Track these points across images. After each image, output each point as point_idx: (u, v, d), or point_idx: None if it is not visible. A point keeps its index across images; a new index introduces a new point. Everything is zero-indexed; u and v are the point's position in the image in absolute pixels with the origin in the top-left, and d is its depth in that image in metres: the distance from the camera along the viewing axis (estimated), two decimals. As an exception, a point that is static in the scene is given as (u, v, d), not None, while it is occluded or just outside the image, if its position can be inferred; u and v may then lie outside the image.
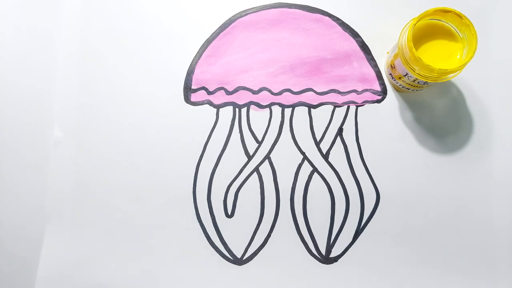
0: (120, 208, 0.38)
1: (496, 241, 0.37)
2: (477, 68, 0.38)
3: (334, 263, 0.37)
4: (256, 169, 0.38)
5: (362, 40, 0.39)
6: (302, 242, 0.37)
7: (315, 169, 0.38)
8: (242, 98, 0.38)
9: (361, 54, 0.39)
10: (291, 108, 0.38)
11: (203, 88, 0.39)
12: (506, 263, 0.36)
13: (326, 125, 0.38)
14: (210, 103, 0.38)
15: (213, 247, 0.37)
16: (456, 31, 0.33)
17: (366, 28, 0.39)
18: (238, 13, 0.39)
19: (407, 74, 0.34)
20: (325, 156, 0.38)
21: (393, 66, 0.36)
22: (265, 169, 0.38)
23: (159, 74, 0.39)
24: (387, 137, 0.38)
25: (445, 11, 0.32)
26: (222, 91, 0.38)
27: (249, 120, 0.38)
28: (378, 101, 0.38)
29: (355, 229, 0.37)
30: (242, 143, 0.38)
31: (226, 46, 0.39)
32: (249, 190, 0.38)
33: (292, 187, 0.38)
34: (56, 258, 0.37)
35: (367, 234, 0.37)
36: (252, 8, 0.39)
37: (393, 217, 0.37)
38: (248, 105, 0.38)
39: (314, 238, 0.37)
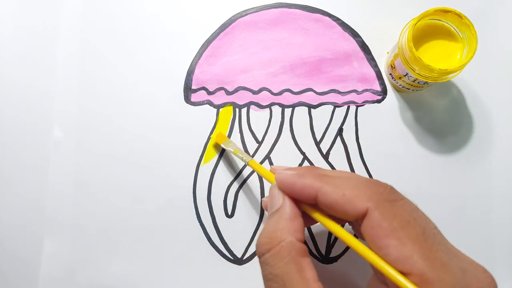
0: (120, 208, 0.38)
1: (496, 241, 0.37)
2: (477, 68, 0.38)
3: (334, 262, 0.37)
4: (256, 169, 0.38)
5: (362, 40, 0.39)
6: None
7: (315, 169, 0.38)
8: (242, 98, 0.38)
9: (361, 54, 0.39)
10: (291, 108, 0.38)
11: (203, 88, 0.39)
12: (506, 263, 0.36)
13: (326, 125, 0.38)
14: (210, 103, 0.38)
15: (213, 247, 0.37)
16: (456, 31, 0.33)
17: (366, 28, 0.39)
18: (238, 13, 0.39)
19: (407, 74, 0.34)
20: (325, 156, 0.38)
21: (393, 66, 0.36)
22: (265, 169, 0.38)
23: (159, 74, 0.39)
24: (387, 137, 0.38)
25: (445, 11, 0.32)
26: (222, 91, 0.38)
27: (249, 120, 0.38)
28: (378, 101, 0.38)
29: (355, 229, 0.37)
30: (242, 143, 0.38)
31: (226, 46, 0.39)
32: (249, 190, 0.38)
33: (292, 187, 0.38)
34: (57, 258, 0.37)
35: (367, 234, 0.37)
36: (252, 8, 0.39)
37: (393, 217, 0.37)
38: (248, 105, 0.38)
39: (314, 238, 0.37)
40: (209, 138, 0.38)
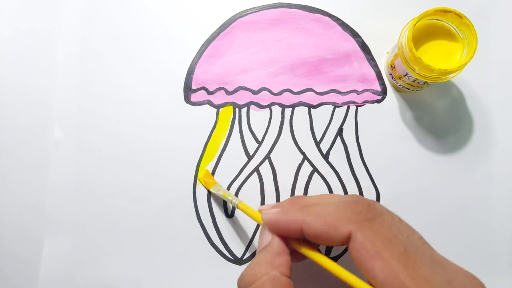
0: (120, 208, 0.38)
1: (495, 241, 0.37)
2: (477, 68, 0.38)
3: (334, 263, 0.37)
4: (256, 169, 0.38)
5: (362, 40, 0.39)
6: (302, 242, 0.37)
7: (315, 169, 0.38)
8: (242, 98, 0.38)
9: (361, 54, 0.39)
10: (291, 108, 0.38)
11: (203, 88, 0.39)
12: (505, 263, 0.36)
13: (326, 125, 0.38)
14: (210, 103, 0.38)
15: (213, 247, 0.37)
16: (456, 31, 0.33)
17: (366, 28, 0.39)
18: (238, 13, 0.39)
19: (407, 74, 0.34)
20: (325, 156, 0.38)
21: (393, 66, 0.36)
22: (265, 169, 0.38)
23: (159, 74, 0.39)
24: (387, 137, 0.38)
25: (445, 11, 0.32)
26: (222, 91, 0.38)
27: (249, 120, 0.38)
28: (378, 101, 0.38)
29: (355, 229, 0.37)
30: (242, 143, 0.38)
31: (226, 46, 0.39)
32: (249, 190, 0.38)
33: (292, 187, 0.38)
34: (57, 258, 0.37)
35: (367, 234, 0.37)
36: (252, 8, 0.39)
37: (393, 217, 0.37)
38: (248, 105, 0.38)
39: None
40: (209, 138, 0.38)
